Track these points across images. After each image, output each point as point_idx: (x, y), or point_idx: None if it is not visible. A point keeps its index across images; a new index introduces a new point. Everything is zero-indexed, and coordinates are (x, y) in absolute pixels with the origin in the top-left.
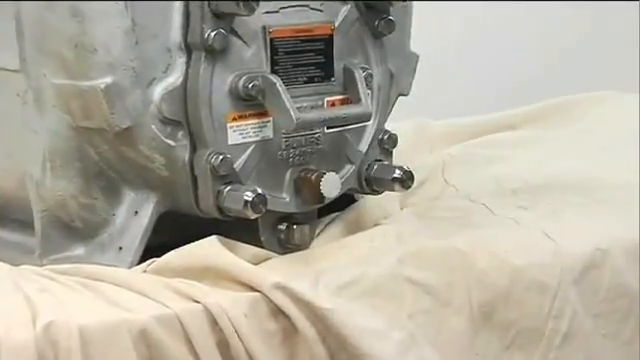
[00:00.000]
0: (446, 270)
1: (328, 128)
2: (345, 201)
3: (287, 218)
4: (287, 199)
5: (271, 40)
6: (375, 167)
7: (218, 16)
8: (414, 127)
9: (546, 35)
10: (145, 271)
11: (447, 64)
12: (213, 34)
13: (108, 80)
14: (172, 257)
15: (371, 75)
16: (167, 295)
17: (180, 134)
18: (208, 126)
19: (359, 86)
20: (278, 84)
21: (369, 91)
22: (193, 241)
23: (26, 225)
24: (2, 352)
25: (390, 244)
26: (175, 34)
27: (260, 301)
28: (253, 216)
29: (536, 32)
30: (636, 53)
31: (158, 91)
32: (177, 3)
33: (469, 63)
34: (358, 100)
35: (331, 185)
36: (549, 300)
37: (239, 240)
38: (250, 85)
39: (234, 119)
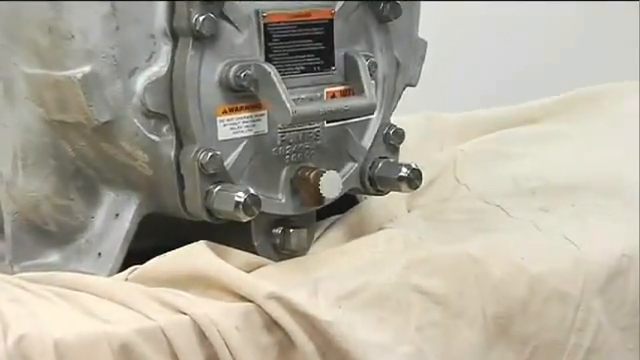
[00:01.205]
0: (457, 278)
1: (328, 122)
2: (347, 202)
3: (283, 221)
4: (283, 200)
5: (265, 25)
6: (380, 165)
7: None
8: (423, 121)
9: (545, 35)
10: (127, 279)
11: (458, 50)
12: (201, 19)
13: (86, 69)
14: (156, 264)
15: (375, 64)
16: (151, 306)
17: (165, 129)
18: (196, 120)
19: (362, 76)
20: (273, 73)
21: (373, 81)
22: (179, 246)
23: None
24: None
25: (396, 250)
26: (160, 19)
27: (253, 312)
28: (245, 219)
29: (535, 32)
30: (636, 53)
31: (141, 81)
32: None
33: (478, 53)
34: (361, 91)
35: (331, 185)
36: (571, 311)
37: (230, 245)
38: (242, 75)
39: (224, 112)
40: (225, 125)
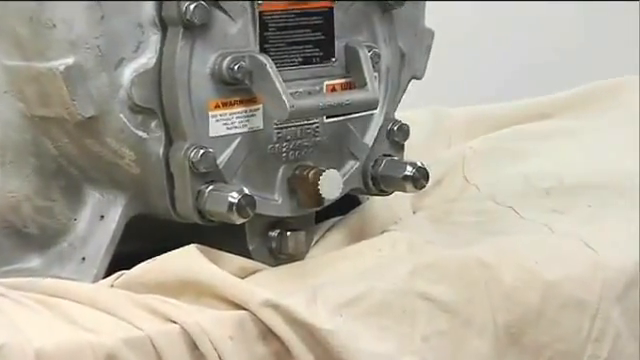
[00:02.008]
0: (466, 284)
1: (328, 117)
2: (348, 203)
3: (279, 223)
4: (279, 201)
5: (260, 14)
6: (383, 163)
7: None
8: (429, 116)
9: (545, 35)
10: (112, 286)
11: (467, 40)
12: (192, 7)
13: (69, 61)
14: (144, 269)
15: (378, 55)
16: (138, 314)
17: (153, 124)
18: (186, 115)
19: (364, 68)
20: (268, 65)
21: (376, 74)
22: (169, 250)
23: None
24: None
25: (401, 254)
26: (148, 7)
27: (248, 321)
28: (239, 221)
29: (534, 32)
30: (636, 53)
31: (128, 74)
32: None
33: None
34: (363, 84)
35: (331, 184)
36: (588, 320)
37: (223, 249)
38: (236, 67)
39: (217, 107)
40: (217, 121)
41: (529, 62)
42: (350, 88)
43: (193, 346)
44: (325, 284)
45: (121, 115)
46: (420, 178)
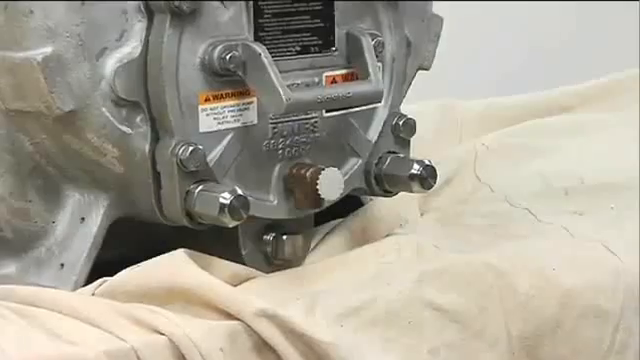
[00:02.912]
0: (478, 293)
1: (327, 111)
2: (349, 205)
3: (275, 226)
4: (275, 202)
5: None
6: (388, 161)
7: None
8: (438, 109)
9: (544, 35)
10: (94, 294)
11: (479, 27)
12: None
13: (47, 50)
14: (128, 276)
15: (382, 43)
16: (122, 324)
17: (138, 119)
18: (174, 109)
19: (367, 57)
20: (263, 55)
21: (380, 64)
22: (155, 256)
23: None
24: None
25: (407, 260)
26: None
27: (241, 332)
28: (232, 224)
29: (533, 32)
30: (636, 53)
31: (110, 64)
32: None
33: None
34: (366, 75)
35: (331, 184)
36: (609, 331)
37: (214, 254)
38: (228, 56)
39: (207, 100)
40: (208, 115)
41: (525, 62)
42: (352, 79)
43: (181, 359)
44: (325, 292)
45: (103, 109)
46: (428, 177)
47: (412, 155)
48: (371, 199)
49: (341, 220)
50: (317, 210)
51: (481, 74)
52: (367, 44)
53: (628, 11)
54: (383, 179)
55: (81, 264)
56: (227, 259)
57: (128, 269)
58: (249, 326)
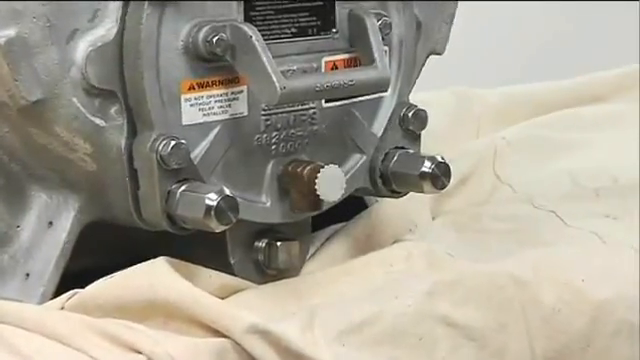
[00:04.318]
0: (498, 307)
1: (327, 101)
2: (352, 207)
3: (268, 232)
4: (268, 204)
5: None
6: (395, 157)
7: None
8: (452, 99)
9: (543, 34)
10: (63, 307)
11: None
12: None
13: (10, 33)
14: (102, 288)
15: (389, 25)
16: (95, 342)
17: (113, 110)
18: (154, 98)
19: (372, 41)
20: (254, 38)
21: (386, 48)
22: (132, 264)
23: None
24: None
25: (417, 269)
26: None
27: (229, 351)
28: (219, 228)
29: (532, 32)
30: (636, 53)
31: (82, 48)
32: None
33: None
34: (370, 61)
35: (331, 184)
36: None
37: (199, 263)
38: (214, 39)
39: (191, 88)
40: (192, 105)
41: (523, 62)
42: (355, 65)
43: None
44: (324, 306)
45: (74, 99)
46: (441, 176)
47: (423, 151)
48: (377, 201)
49: (343, 224)
50: (315, 213)
51: (500, 59)
52: (372, 25)
53: (628, 11)
54: (390, 178)
55: (49, 274)
56: (214, 268)
57: (102, 280)
58: (238, 344)
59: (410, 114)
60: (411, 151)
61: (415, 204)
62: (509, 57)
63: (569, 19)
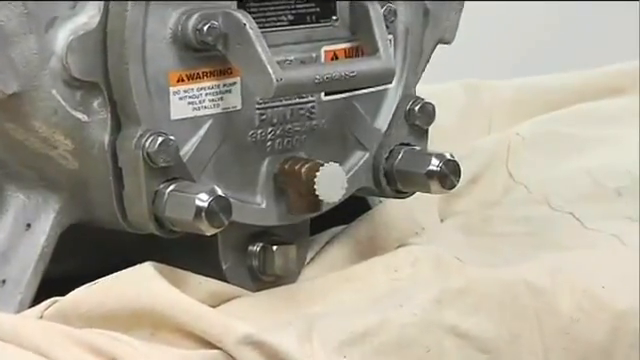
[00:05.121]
0: (511, 316)
1: (327, 94)
2: (354, 209)
3: (263, 235)
4: (263, 205)
5: None
6: (401, 155)
7: None
8: (462, 91)
9: (543, 34)
10: (42, 317)
11: None
12: None
13: None
14: (84, 296)
15: (394, 12)
16: (76, 354)
17: (96, 104)
18: (140, 91)
19: (375, 29)
20: (249, 25)
21: (391, 36)
22: (117, 270)
23: None
24: None
25: (424, 275)
26: None
27: None
28: (210, 231)
29: (531, 31)
30: (636, 53)
31: (62, 37)
32: None
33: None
34: (374, 50)
35: (332, 183)
36: None
37: (188, 269)
38: (205, 27)
39: (180, 81)
40: (181, 98)
41: (522, 62)
42: (356, 55)
43: None
44: (323, 315)
45: (53, 91)
46: (449, 174)
47: (430, 148)
48: (380, 201)
49: (344, 227)
50: (314, 215)
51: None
52: (375, 12)
53: (628, 11)
54: (395, 177)
55: (27, 280)
56: (204, 274)
57: (84, 287)
58: (231, 356)
59: (417, 108)
60: (417, 148)
61: (422, 205)
62: (524, 47)
63: (568, 19)
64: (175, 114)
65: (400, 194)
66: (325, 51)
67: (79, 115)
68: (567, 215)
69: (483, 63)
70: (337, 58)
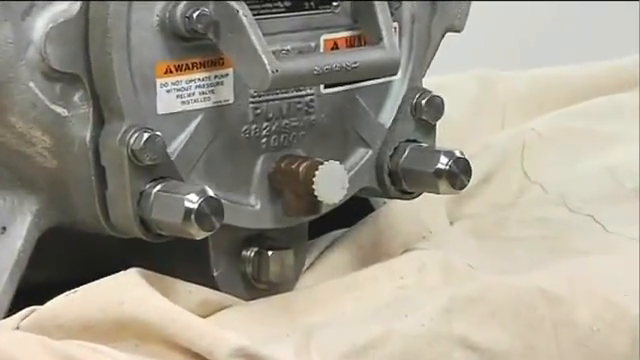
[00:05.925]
0: (526, 327)
1: (327, 87)
2: (356, 210)
3: (257, 239)
4: (257, 206)
5: None
6: (407, 152)
7: None
8: (474, 83)
9: (542, 34)
10: (18, 327)
11: None
12: None
13: None
14: (64, 304)
15: None
16: None
17: (77, 97)
18: (124, 83)
19: (379, 16)
20: (242, 12)
21: (396, 24)
22: (99, 277)
23: None
24: None
25: (431, 283)
26: None
27: None
28: (200, 235)
29: (531, 32)
30: (637, 53)
31: (41, 25)
32: None
33: None
34: (377, 39)
35: (331, 183)
36: None
37: (177, 275)
38: (195, 15)
39: (168, 72)
40: (169, 91)
41: (521, 62)
42: (358, 45)
43: None
44: (323, 326)
45: (31, 84)
46: (459, 173)
47: (438, 144)
48: (384, 203)
49: (345, 230)
50: (313, 217)
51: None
52: None
53: (628, 11)
54: (400, 176)
55: (2, 288)
56: (194, 282)
57: (63, 295)
58: None
59: (423, 101)
60: (424, 145)
61: (429, 207)
62: (539, 35)
63: (568, 19)
64: (162, 108)
65: (406, 195)
66: (325, 40)
67: (59, 109)
68: (586, 218)
69: (496, 53)
70: (338, 47)
